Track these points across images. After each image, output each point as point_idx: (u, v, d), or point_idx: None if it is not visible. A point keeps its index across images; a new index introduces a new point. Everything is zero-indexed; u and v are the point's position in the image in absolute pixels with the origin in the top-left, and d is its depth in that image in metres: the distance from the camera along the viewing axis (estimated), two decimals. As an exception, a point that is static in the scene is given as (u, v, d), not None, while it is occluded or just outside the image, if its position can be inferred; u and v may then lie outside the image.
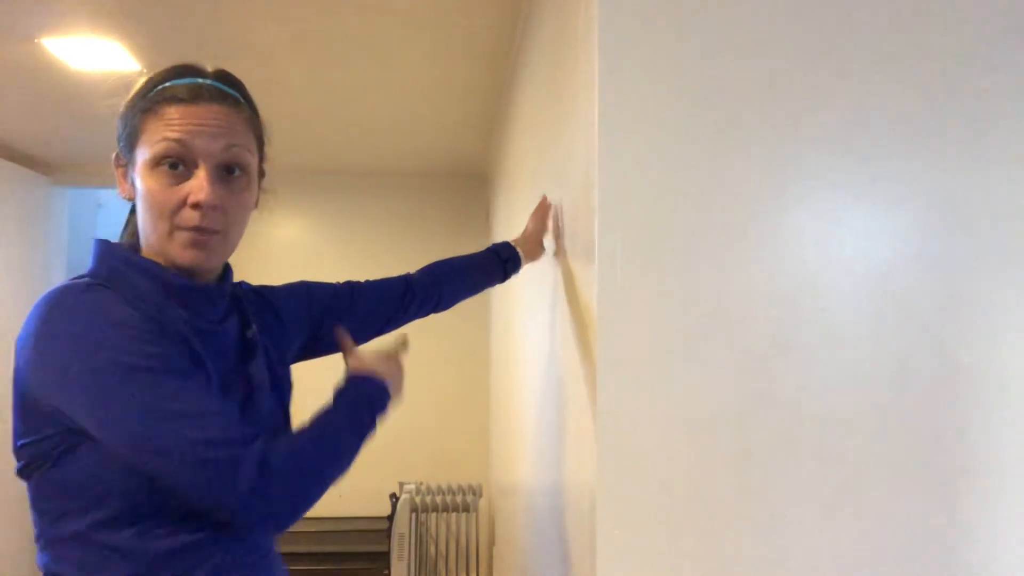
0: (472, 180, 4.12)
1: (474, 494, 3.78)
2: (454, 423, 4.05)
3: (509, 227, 2.48)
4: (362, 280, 1.22)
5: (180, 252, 0.87)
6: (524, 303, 2.04)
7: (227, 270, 0.97)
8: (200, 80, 0.90)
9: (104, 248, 0.89)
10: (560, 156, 1.36)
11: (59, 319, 0.80)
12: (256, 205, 0.98)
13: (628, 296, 0.97)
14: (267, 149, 0.97)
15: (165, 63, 0.92)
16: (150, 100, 0.88)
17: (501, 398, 3.04)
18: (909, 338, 0.99)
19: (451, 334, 3.79)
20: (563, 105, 1.34)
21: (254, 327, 0.98)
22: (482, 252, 1.37)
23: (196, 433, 0.76)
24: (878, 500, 0.98)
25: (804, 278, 0.99)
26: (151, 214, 0.87)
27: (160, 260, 0.88)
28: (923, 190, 1.01)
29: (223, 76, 0.93)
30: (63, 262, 4.08)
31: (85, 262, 0.89)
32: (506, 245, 1.39)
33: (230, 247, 0.92)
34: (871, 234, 1.00)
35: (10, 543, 3.43)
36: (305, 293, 1.13)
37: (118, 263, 0.88)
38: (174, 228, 0.86)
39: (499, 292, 3.14)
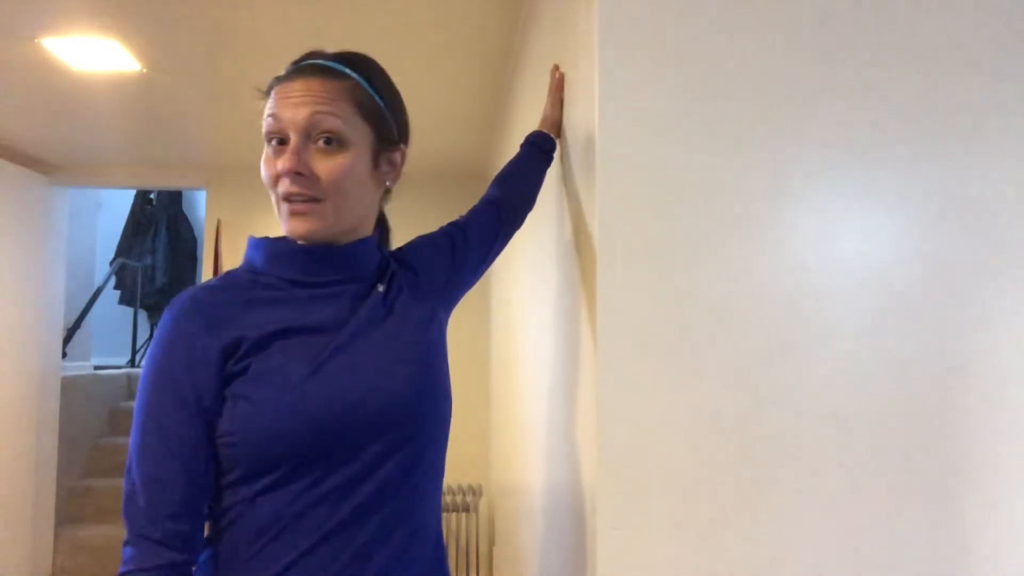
0: (472, 180, 4.11)
1: (474, 494, 3.78)
2: (454, 423, 4.04)
3: (509, 227, 2.48)
4: (458, 219, 1.22)
5: (285, 223, 0.91)
6: (524, 303, 2.04)
7: (370, 237, 0.98)
8: (309, 61, 0.92)
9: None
10: (559, 155, 1.36)
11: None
12: (385, 181, 0.99)
13: (628, 296, 0.97)
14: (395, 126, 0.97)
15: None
16: (268, 87, 0.92)
17: (501, 398, 3.04)
18: (909, 338, 0.99)
19: (451, 333, 3.75)
20: (562, 104, 1.34)
21: (381, 286, 0.98)
22: (526, 149, 1.35)
23: (135, 489, 0.83)
24: (878, 500, 0.98)
25: (804, 278, 0.99)
26: (268, 189, 0.92)
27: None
28: (923, 190, 1.01)
29: (339, 54, 0.94)
30: (63, 262, 4.07)
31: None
32: (540, 134, 1.36)
33: (340, 215, 0.91)
34: (871, 234, 1.00)
35: (12, 545, 3.42)
36: (429, 243, 1.14)
37: (248, 247, 0.96)
38: (279, 200, 0.90)
39: (499, 291, 3.14)
